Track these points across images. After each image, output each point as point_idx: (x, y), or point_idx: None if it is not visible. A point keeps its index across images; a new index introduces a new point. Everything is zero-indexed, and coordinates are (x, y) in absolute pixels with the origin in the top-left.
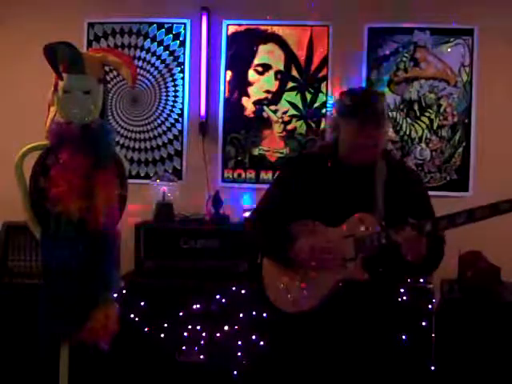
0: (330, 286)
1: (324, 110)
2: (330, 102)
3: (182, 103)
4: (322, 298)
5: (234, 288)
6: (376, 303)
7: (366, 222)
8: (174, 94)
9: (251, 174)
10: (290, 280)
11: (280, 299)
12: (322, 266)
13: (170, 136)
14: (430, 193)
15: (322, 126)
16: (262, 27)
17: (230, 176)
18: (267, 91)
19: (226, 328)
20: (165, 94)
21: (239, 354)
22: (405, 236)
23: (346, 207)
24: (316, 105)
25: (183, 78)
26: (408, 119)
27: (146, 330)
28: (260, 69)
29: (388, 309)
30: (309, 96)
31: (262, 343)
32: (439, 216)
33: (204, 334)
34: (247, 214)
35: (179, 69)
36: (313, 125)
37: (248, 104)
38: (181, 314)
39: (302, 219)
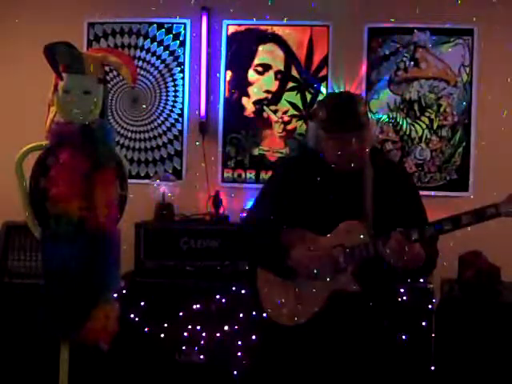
0: (323, 298)
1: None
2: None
3: (182, 103)
4: (317, 311)
5: (233, 288)
6: (372, 311)
7: (355, 230)
8: (174, 94)
9: (251, 174)
10: (285, 294)
11: (276, 313)
12: (316, 276)
13: (170, 136)
14: (430, 193)
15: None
16: (262, 27)
17: (230, 176)
18: (267, 91)
19: (226, 328)
20: (165, 94)
21: (239, 354)
22: (392, 246)
23: (335, 214)
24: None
25: (183, 78)
26: (408, 119)
27: (146, 330)
28: (260, 69)
29: (385, 314)
30: (309, 96)
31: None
32: (426, 223)
33: (204, 334)
34: (243, 215)
35: (179, 69)
36: None
37: (248, 104)
38: (181, 314)
39: (292, 225)
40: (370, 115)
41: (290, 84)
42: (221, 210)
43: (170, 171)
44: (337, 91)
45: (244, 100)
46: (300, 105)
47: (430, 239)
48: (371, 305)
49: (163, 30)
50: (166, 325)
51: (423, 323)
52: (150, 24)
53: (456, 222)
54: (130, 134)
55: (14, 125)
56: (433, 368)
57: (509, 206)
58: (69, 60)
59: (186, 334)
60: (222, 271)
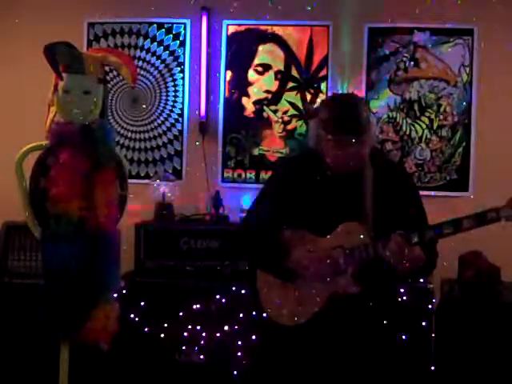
0: (323, 299)
1: None
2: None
3: (182, 103)
4: (317, 311)
5: (233, 288)
6: (372, 312)
7: (355, 231)
8: (174, 94)
9: (251, 174)
10: (284, 295)
11: (275, 314)
12: (316, 278)
13: (170, 136)
14: (430, 193)
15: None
16: (262, 27)
17: (230, 176)
18: (267, 91)
19: (226, 328)
20: (165, 94)
21: (239, 354)
22: (392, 248)
23: (335, 215)
24: (316, 105)
25: (183, 78)
26: (408, 119)
27: (146, 329)
28: (260, 69)
29: (385, 314)
30: (309, 96)
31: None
32: (426, 226)
33: (204, 334)
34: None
35: (179, 69)
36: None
37: (248, 104)
38: (181, 314)
39: (292, 226)
40: (371, 116)
41: (290, 84)
42: (221, 210)
43: (170, 171)
44: (339, 92)
45: (244, 100)
46: (300, 105)
47: (429, 242)
48: (371, 305)
49: (163, 29)
50: (166, 325)
51: (423, 323)
52: (150, 24)
53: (457, 225)
54: (130, 134)
55: (14, 125)
56: (433, 368)
57: (509, 211)
58: (69, 60)
59: (186, 334)
60: (221, 271)
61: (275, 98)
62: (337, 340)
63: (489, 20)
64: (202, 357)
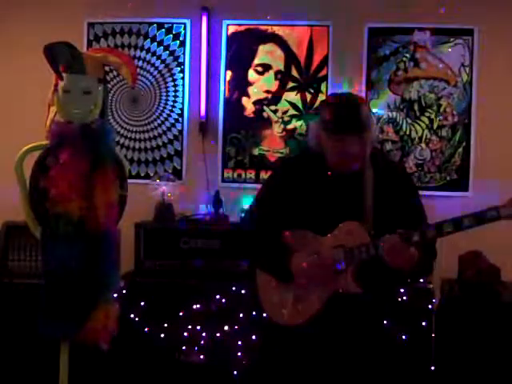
0: (323, 299)
1: None
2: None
3: (182, 103)
4: (317, 311)
5: (233, 288)
6: (372, 311)
7: (355, 231)
8: (174, 94)
9: (251, 174)
10: (284, 294)
11: (275, 313)
12: (318, 281)
13: (170, 136)
14: (430, 193)
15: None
16: (262, 27)
17: (230, 176)
18: (267, 91)
19: (226, 328)
20: (165, 94)
21: (239, 354)
22: (392, 247)
23: (335, 215)
24: (316, 105)
25: (183, 78)
26: (408, 119)
27: (146, 330)
28: (260, 69)
29: (385, 314)
30: (309, 96)
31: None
32: (427, 225)
33: (204, 334)
34: (243, 216)
35: (179, 69)
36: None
37: (248, 104)
38: (181, 314)
39: (292, 226)
40: (371, 116)
41: (290, 84)
42: (221, 210)
43: (170, 171)
44: (339, 92)
45: (244, 100)
46: (300, 105)
47: (429, 241)
48: (371, 305)
49: (163, 29)
50: (166, 325)
51: (423, 323)
52: (150, 24)
53: (457, 224)
54: (130, 134)
55: (14, 125)
56: (433, 368)
57: (509, 210)
58: (69, 60)
59: (186, 334)
60: (222, 271)
61: (275, 98)
62: (337, 340)
63: (489, 20)
64: (202, 357)
